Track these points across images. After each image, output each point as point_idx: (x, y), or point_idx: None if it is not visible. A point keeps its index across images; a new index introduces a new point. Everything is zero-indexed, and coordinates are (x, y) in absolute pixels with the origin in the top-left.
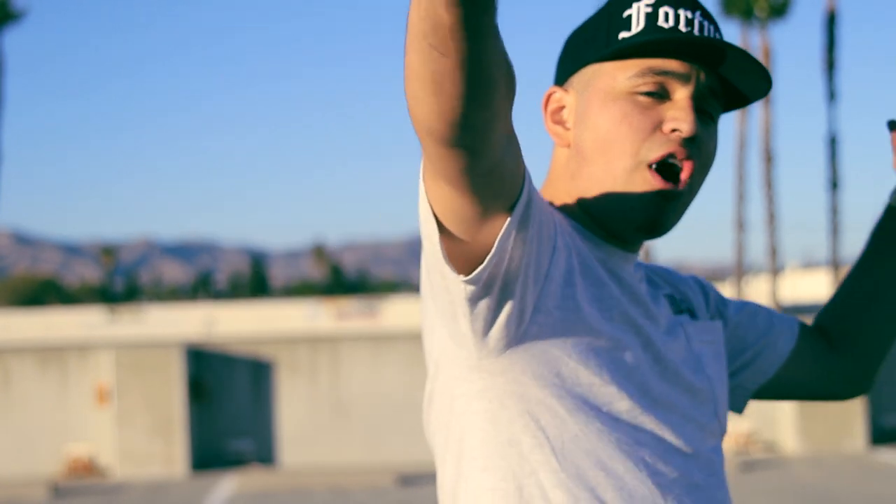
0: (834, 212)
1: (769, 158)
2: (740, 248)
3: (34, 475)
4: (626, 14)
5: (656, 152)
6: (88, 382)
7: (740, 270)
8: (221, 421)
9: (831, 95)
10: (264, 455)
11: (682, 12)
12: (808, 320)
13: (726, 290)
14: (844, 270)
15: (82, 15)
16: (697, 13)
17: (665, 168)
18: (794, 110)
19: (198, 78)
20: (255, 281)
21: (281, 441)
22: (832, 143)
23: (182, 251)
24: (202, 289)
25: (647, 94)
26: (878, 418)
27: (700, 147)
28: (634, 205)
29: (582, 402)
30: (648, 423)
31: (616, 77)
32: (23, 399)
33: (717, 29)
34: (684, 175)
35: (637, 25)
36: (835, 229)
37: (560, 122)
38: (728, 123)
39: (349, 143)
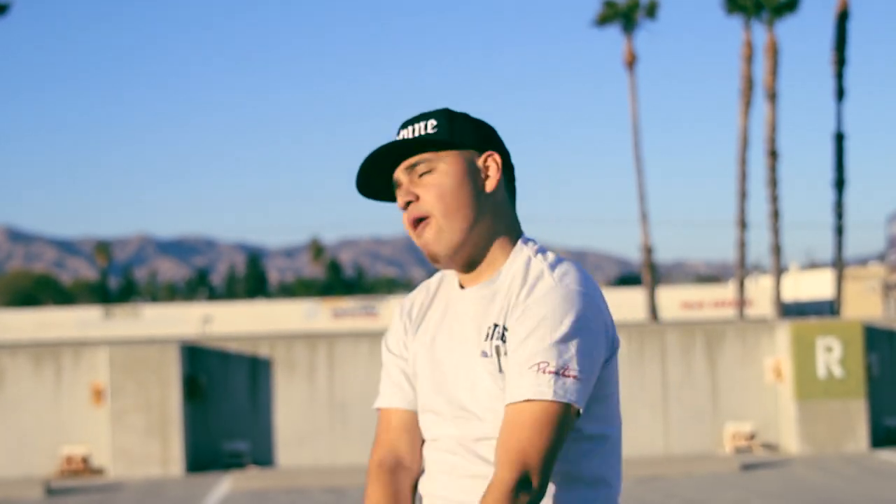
0: (839, 211)
1: (773, 155)
2: (743, 246)
3: (29, 475)
4: None
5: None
6: (84, 381)
7: (742, 270)
8: (218, 421)
9: (840, 93)
10: (261, 456)
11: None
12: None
13: (728, 291)
14: (848, 270)
15: (74, 7)
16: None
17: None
18: (801, 107)
19: (194, 74)
20: (252, 278)
21: (278, 441)
22: (839, 140)
23: (178, 248)
24: (199, 286)
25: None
26: (881, 420)
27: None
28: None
29: None
30: None
31: None
32: (17, 398)
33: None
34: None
35: None
36: (840, 228)
37: None
38: (731, 120)
39: (346, 140)
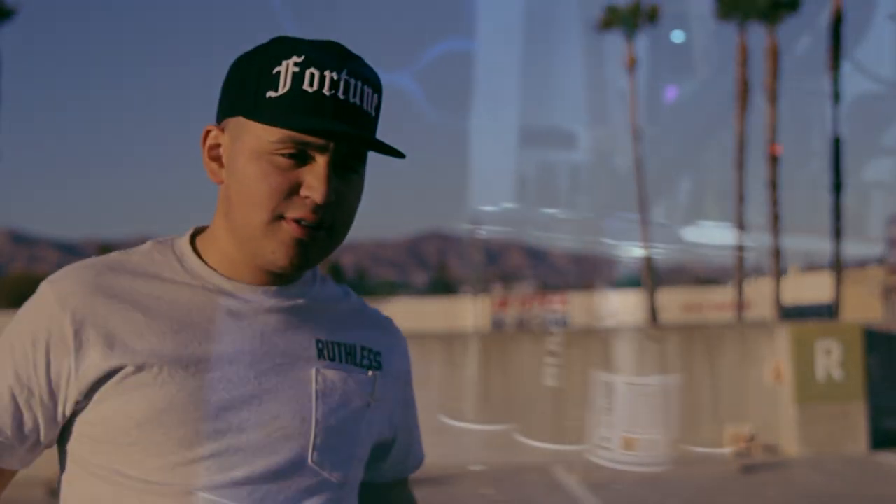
0: (837, 214)
1: (774, 159)
2: (741, 250)
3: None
4: (275, 71)
5: (290, 215)
6: None
7: (741, 273)
8: None
9: (836, 96)
10: None
11: (327, 74)
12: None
13: (728, 294)
14: (847, 272)
15: (77, 11)
16: (344, 72)
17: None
18: (799, 110)
19: (195, 74)
20: None
21: None
22: (836, 144)
23: None
24: None
25: (288, 155)
26: (880, 422)
27: (335, 207)
28: (275, 249)
29: None
30: None
31: (261, 137)
32: None
33: (366, 80)
34: (320, 234)
35: (283, 86)
36: (838, 231)
37: (216, 159)
38: (727, 123)
39: None
